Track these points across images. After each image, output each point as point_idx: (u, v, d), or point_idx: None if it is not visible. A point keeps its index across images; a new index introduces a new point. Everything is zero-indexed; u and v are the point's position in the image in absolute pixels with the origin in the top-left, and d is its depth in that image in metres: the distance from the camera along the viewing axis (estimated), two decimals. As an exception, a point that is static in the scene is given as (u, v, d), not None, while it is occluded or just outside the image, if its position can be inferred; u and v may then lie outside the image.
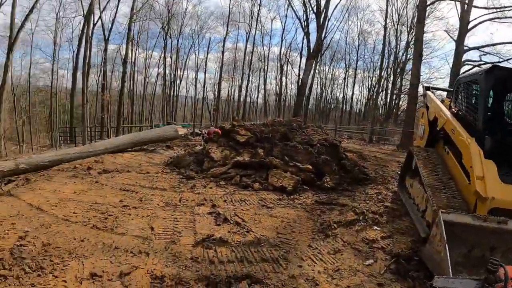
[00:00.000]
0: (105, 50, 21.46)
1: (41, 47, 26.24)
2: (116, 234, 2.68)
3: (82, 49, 15.35)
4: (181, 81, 32.03)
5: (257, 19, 28.73)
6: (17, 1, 13.43)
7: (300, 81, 22.67)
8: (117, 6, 20.64)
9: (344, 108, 36.20)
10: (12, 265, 1.96)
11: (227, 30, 26.96)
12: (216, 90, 29.18)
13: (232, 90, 34.14)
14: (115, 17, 21.32)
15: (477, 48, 12.32)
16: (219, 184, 4.59)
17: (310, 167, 4.74)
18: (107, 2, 19.91)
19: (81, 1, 17.95)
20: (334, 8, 25.92)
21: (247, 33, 28.81)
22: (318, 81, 33.36)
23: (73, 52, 20.89)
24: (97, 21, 18.46)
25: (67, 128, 19.80)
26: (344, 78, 32.72)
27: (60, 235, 2.54)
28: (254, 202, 3.84)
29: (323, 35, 18.53)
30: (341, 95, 35.85)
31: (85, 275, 1.92)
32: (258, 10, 28.24)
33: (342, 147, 6.10)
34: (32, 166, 4.97)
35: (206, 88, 32.21)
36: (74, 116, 20.07)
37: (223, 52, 27.71)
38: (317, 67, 27.27)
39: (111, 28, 21.41)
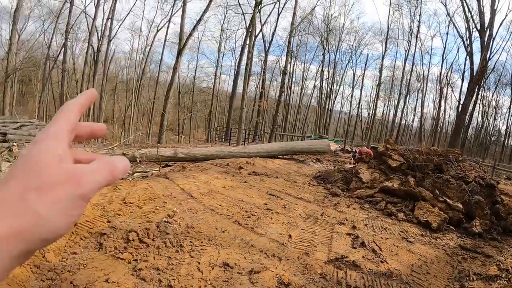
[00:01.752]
0: (265, 61, 42.65)
1: (206, 54, 79.24)
2: (255, 233, 5.36)
3: (244, 58, 36.74)
4: (336, 95, 58.92)
5: (416, 37, 49.93)
6: (186, 13, 31.81)
7: (460, 107, 36.71)
8: (277, 21, 42.57)
9: (506, 142, 54.39)
10: (156, 237, 4.70)
11: (385, 47, 49.11)
12: (372, 108, 53.17)
13: (388, 109, 58.59)
14: (275, 30, 43.25)
15: None
16: (363, 206, 8.01)
17: (461, 206, 7.68)
18: (267, 17, 41.95)
19: (243, 15, 39.82)
20: (500, 25, 40.08)
21: (406, 51, 50.96)
22: (479, 108, 51.94)
23: (235, 60, 46.89)
24: (258, 34, 38.07)
25: (223, 127, 40.43)
26: (509, 107, 51.74)
27: (204, 222, 5.44)
28: (394, 232, 6.52)
29: (487, 56, 29.61)
30: (504, 127, 54.00)
31: (218, 263, 4.27)
32: (418, 27, 49.24)
33: (499, 189, 9.21)
34: (189, 156, 10.63)
35: (361, 105, 57.73)
36: (231, 118, 40.92)
37: (380, 70, 49.98)
38: (480, 92, 42.97)
39: (271, 41, 42.65)
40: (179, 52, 32.06)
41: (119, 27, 42.09)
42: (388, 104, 58.96)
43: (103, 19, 37.10)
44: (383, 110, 60.41)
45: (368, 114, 58.56)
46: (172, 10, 42.34)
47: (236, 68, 43.98)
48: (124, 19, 51.43)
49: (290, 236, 5.48)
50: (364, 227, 6.55)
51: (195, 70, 55.78)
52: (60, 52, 38.40)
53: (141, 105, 51.01)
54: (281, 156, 13.35)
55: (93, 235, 4.95)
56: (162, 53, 48.11)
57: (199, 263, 4.34)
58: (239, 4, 40.10)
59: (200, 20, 33.20)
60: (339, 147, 23.91)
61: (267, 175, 9.72)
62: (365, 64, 57.04)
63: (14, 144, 10.33)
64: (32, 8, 41.24)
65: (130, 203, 5.93)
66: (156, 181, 7.42)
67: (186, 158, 10.78)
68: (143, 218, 5.44)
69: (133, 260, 4.32)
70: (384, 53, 50.10)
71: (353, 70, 58.14)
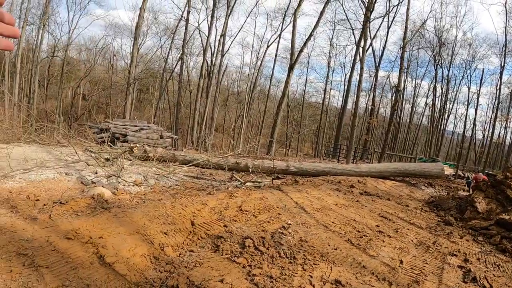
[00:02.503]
0: (376, 76, 41.30)
1: (315, 69, 78.57)
2: (367, 254, 5.36)
3: (354, 73, 37.41)
4: (449, 115, 54.33)
5: (541, 48, 40.84)
6: (296, 29, 32.38)
7: None
8: (387, 35, 40.43)
9: None
10: (270, 246, 4.94)
11: (504, 60, 43.03)
12: (487, 129, 49.02)
13: (505, 131, 51.91)
14: (385, 45, 41.43)
15: None
16: (476, 238, 7.62)
17: None
18: (377, 31, 40.35)
19: (352, 30, 39.67)
20: None
21: (529, 65, 41.71)
22: None
23: (345, 75, 47.89)
24: (368, 48, 35.79)
25: (331, 143, 41.64)
26: None
27: (317, 237, 5.56)
28: (507, 271, 6.09)
29: None
30: None
31: (330, 279, 4.34)
32: (543, 37, 40.27)
33: None
34: (300, 170, 10.89)
35: (476, 126, 51.38)
36: (340, 134, 40.41)
37: (498, 87, 44.72)
38: None
39: (381, 56, 41.08)
40: (291, 67, 33.06)
41: (231, 43, 44.34)
42: (507, 125, 52.34)
43: (215, 35, 39.69)
44: (499, 132, 54.01)
45: (483, 136, 53.79)
46: (282, 26, 42.81)
47: (346, 84, 44.67)
48: (236, 35, 55.44)
49: (401, 261, 5.44)
50: (477, 261, 6.33)
51: (305, 84, 56.22)
52: (176, 65, 42.43)
53: (250, 117, 52.30)
54: (392, 178, 13.12)
55: (210, 237, 5.30)
56: (273, 68, 50.06)
57: (311, 276, 4.46)
58: (348, 19, 40.29)
59: (310, 36, 34.02)
60: (453, 171, 22.62)
61: (378, 196, 9.68)
62: (481, 80, 49.64)
63: (137, 145, 11.27)
64: (149, 25, 45.95)
65: (246, 211, 6.33)
66: (270, 192, 7.79)
67: (298, 172, 11.02)
68: (258, 226, 5.71)
69: (247, 265, 4.55)
70: (502, 67, 44.59)
71: (467, 86, 53.57)
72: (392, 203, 9.16)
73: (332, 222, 6.47)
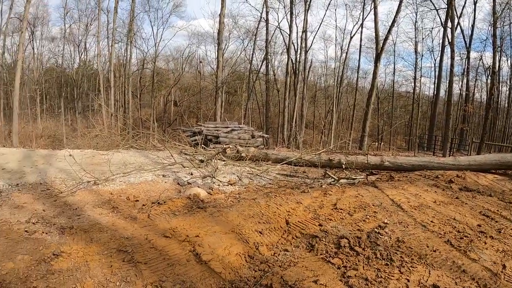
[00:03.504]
0: (467, 58, 39.78)
1: (403, 56, 75.27)
2: (467, 257, 4.98)
3: (445, 57, 34.80)
4: None
5: None
6: (378, 16, 31.54)
7: None
8: (474, 11, 38.05)
9: None
10: (366, 246, 4.79)
11: None
12: None
13: None
14: (473, 23, 38.96)
15: None
16: None
17: None
18: (463, 8, 36.79)
19: (437, 11, 36.78)
20: None
21: None
22: None
23: (434, 60, 45.50)
24: (456, 28, 32.78)
25: (425, 135, 38.96)
26: None
27: (415, 237, 5.27)
28: None
29: None
30: None
31: (428, 284, 4.11)
32: None
33: None
34: (395, 165, 10.32)
35: None
36: (435, 124, 38.72)
37: None
38: None
39: (471, 35, 38.57)
40: (377, 57, 32.41)
41: (313, 38, 45.20)
42: None
43: (297, 32, 40.04)
44: None
45: None
46: (363, 15, 41.78)
47: (436, 69, 42.90)
48: (317, 30, 56.70)
49: (504, 266, 4.95)
50: None
51: (393, 74, 53.39)
52: (261, 66, 43.43)
53: (340, 112, 51.18)
54: (493, 171, 12.01)
55: (305, 236, 5.30)
56: (359, 59, 49.73)
57: (408, 280, 4.30)
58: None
59: (393, 22, 32.43)
60: None
61: (479, 192, 8.92)
62: None
63: (230, 146, 11.53)
64: (231, 30, 47.18)
65: (341, 209, 6.24)
66: (364, 189, 7.57)
67: (392, 167, 10.64)
68: (353, 225, 5.62)
69: (342, 266, 4.49)
70: None
71: None
72: (494, 200, 8.44)
73: (431, 221, 6.14)
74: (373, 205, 6.46)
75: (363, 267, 4.48)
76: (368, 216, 5.93)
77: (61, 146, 22.07)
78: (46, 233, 5.66)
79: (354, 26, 48.35)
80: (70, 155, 10.52)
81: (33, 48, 50.82)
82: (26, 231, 5.84)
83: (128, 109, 42.46)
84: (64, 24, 50.55)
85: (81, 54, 53.15)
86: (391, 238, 5.22)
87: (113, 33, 41.87)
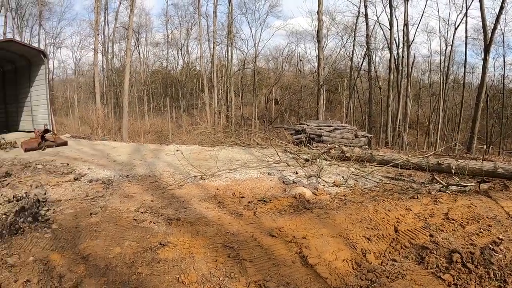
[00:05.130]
0: None
1: None
2: None
3: None
4: None
5: None
6: (484, 4, 27.51)
7: None
8: None
9: None
10: (479, 264, 4.33)
11: None
12: None
13: None
14: None
15: None
16: None
17: None
18: None
19: None
20: None
21: None
22: None
23: None
24: None
25: None
26: None
27: None
28: None
29: None
30: None
31: None
32: None
33: None
34: (510, 173, 9.12)
35: None
36: None
37: None
38: None
39: None
40: (486, 49, 28.77)
41: (415, 31, 40.95)
42: None
43: (397, 26, 37.53)
44: None
45: None
46: (466, 2, 37.09)
47: None
48: (419, 23, 52.84)
49: None
50: None
51: (503, 68, 46.80)
52: (362, 62, 41.66)
53: (446, 110, 47.33)
54: None
55: (414, 246, 5.02)
56: (466, 53, 43.35)
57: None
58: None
59: (501, 9, 28.43)
60: None
61: None
62: None
63: (335, 145, 11.27)
64: (328, 27, 46.14)
65: (453, 219, 5.83)
66: (477, 198, 6.95)
67: (506, 175, 9.39)
68: (466, 239, 5.21)
69: (453, 284, 4.21)
70: None
71: None
72: None
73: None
74: (487, 218, 5.85)
75: (475, 286, 4.17)
76: (481, 230, 5.44)
77: (167, 141, 23.21)
78: (154, 223, 5.93)
79: (457, 15, 42.05)
80: (177, 150, 11.00)
81: (139, 53, 55.64)
82: (134, 219, 6.16)
83: (231, 107, 44.28)
84: (167, 30, 54.47)
85: (184, 56, 56.74)
86: (506, 256, 4.70)
87: (214, 35, 43.66)
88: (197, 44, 52.19)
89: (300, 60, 54.86)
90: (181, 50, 55.57)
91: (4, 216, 6.76)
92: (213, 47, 43.78)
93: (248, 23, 50.39)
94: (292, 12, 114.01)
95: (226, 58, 47.67)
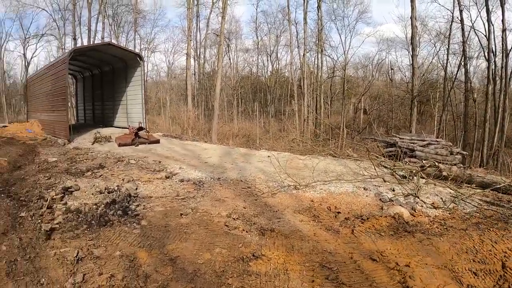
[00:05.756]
0: None
1: None
2: None
3: None
4: None
5: None
6: None
7: None
8: None
9: None
10: None
11: None
12: None
13: None
14: None
15: None
16: None
17: None
18: None
19: None
20: None
21: None
22: None
23: None
24: None
25: None
26: None
27: None
28: None
29: None
30: None
31: None
32: None
33: None
34: None
35: None
36: None
37: None
38: None
39: None
40: None
41: None
42: None
43: (493, 32, 34.08)
44: None
45: None
46: None
47: None
48: None
49: None
50: None
51: None
52: (457, 72, 38.89)
53: None
54: None
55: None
56: None
57: None
58: None
59: None
60: None
61: None
62: None
63: (432, 162, 10.34)
64: (420, 34, 42.79)
65: None
66: None
67: None
68: None
69: None
70: None
71: None
72: None
73: None
74: None
75: None
76: None
77: (255, 146, 23.13)
78: (246, 231, 5.60)
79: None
80: (268, 156, 10.64)
81: (229, 59, 56.92)
82: (226, 225, 5.87)
83: (320, 115, 42.95)
84: (257, 36, 55.69)
85: (273, 63, 57.22)
86: None
87: (304, 42, 43.24)
88: (286, 50, 53.30)
89: (391, 69, 52.44)
90: (270, 56, 56.49)
91: (94, 206, 6.84)
92: (303, 54, 43.37)
93: (338, 29, 49.62)
94: (384, 18, 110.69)
95: (315, 65, 46.99)
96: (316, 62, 46.36)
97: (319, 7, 41.80)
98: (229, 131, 39.60)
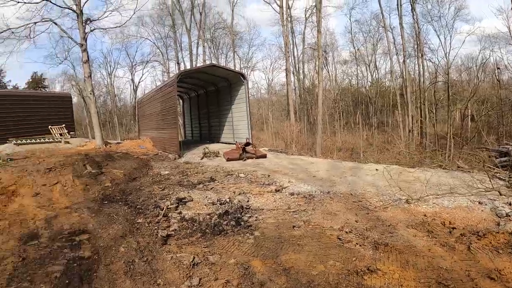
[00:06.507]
0: None
1: None
2: None
3: None
4: None
5: None
6: None
7: None
8: None
9: None
10: None
11: None
12: None
13: None
14: None
15: None
16: None
17: None
18: None
19: None
20: None
21: None
22: None
23: None
24: None
25: None
26: None
27: None
28: None
29: None
30: None
31: None
32: None
33: None
34: None
35: None
36: None
37: None
38: None
39: None
40: None
41: None
42: None
43: None
44: None
45: None
46: None
47: None
48: None
49: None
50: None
51: None
52: None
53: None
54: None
55: None
56: None
57: None
58: None
59: None
60: None
61: None
62: None
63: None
64: None
65: None
66: None
67: None
68: None
69: None
70: None
71: None
72: None
73: None
74: None
75: None
76: None
77: (359, 159, 22.72)
78: (360, 245, 5.59)
79: None
80: (376, 169, 10.47)
81: (328, 72, 57.24)
82: (339, 238, 5.90)
83: (425, 124, 40.20)
84: (353, 47, 54.43)
85: (373, 72, 55.73)
86: None
87: (403, 48, 40.89)
88: (384, 58, 51.95)
89: (498, 68, 45.77)
90: (368, 66, 55.17)
91: (208, 216, 7.22)
92: (403, 60, 41.11)
93: (435, 31, 45.74)
94: (483, 13, 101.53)
95: (416, 72, 44.44)
96: (418, 69, 43.57)
97: (413, 9, 39.84)
98: (332, 144, 39.20)
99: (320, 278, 4.60)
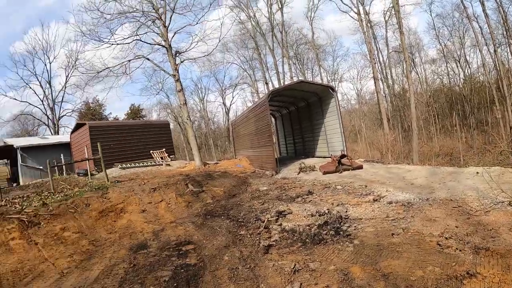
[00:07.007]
0: None
1: None
2: None
3: None
4: None
5: None
6: None
7: None
8: None
9: None
10: None
11: None
12: None
13: None
14: None
15: None
16: None
17: None
18: None
19: None
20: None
21: None
22: None
23: None
24: None
25: None
26: None
27: None
28: None
29: None
30: None
31: None
32: None
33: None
34: None
35: None
36: None
37: None
38: None
39: None
40: None
41: None
42: None
43: None
44: None
45: None
46: None
47: None
48: None
49: None
50: None
51: None
52: None
53: None
54: None
55: None
56: None
57: None
58: None
59: None
60: None
61: None
62: None
63: None
64: None
65: None
66: None
67: None
68: None
69: None
70: None
71: None
72: None
73: None
74: None
75: None
76: None
77: (458, 164, 21.63)
78: (460, 250, 5.59)
79: None
80: (477, 173, 10.13)
81: (417, 73, 53.66)
82: (438, 244, 5.93)
83: None
84: (440, 43, 50.37)
85: (464, 68, 50.29)
86: None
87: (492, 37, 36.70)
88: (474, 51, 46.31)
89: None
90: (459, 61, 50.02)
91: (307, 227, 7.51)
92: (494, 50, 37.11)
93: None
94: None
95: (510, 61, 40.08)
96: (510, 57, 39.17)
97: (492, -8, 33.09)
98: (429, 150, 37.03)
99: (419, 283, 4.71)
